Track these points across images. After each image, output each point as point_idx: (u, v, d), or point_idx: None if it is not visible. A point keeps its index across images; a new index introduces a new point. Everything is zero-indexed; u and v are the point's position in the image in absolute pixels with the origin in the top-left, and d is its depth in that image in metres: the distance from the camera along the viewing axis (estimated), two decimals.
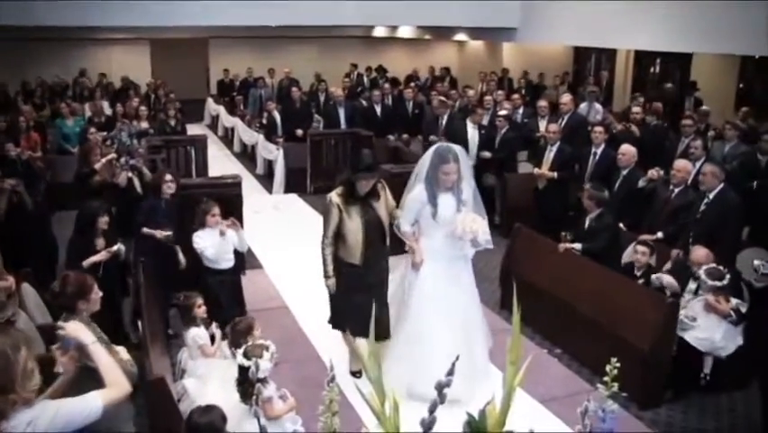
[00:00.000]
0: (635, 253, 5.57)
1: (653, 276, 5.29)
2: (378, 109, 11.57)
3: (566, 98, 9.44)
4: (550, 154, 7.97)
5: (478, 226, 4.31)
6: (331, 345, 5.11)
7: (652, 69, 15.39)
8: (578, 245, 5.90)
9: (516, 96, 11.44)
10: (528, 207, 8.09)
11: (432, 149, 4.49)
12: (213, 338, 4.58)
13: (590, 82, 14.29)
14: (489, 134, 9.28)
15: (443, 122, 10.01)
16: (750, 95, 13.03)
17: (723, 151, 8.33)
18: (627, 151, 7.00)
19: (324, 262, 4.63)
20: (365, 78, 17.03)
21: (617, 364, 2.07)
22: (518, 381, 1.92)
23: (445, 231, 4.46)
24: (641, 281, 5.36)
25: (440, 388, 1.83)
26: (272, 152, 11.49)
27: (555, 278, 5.79)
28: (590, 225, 5.99)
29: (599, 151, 7.74)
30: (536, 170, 8.02)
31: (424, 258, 4.52)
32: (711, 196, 5.76)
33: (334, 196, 4.53)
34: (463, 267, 4.62)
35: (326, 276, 4.66)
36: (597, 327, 5.23)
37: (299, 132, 11.44)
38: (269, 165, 11.82)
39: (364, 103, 12.27)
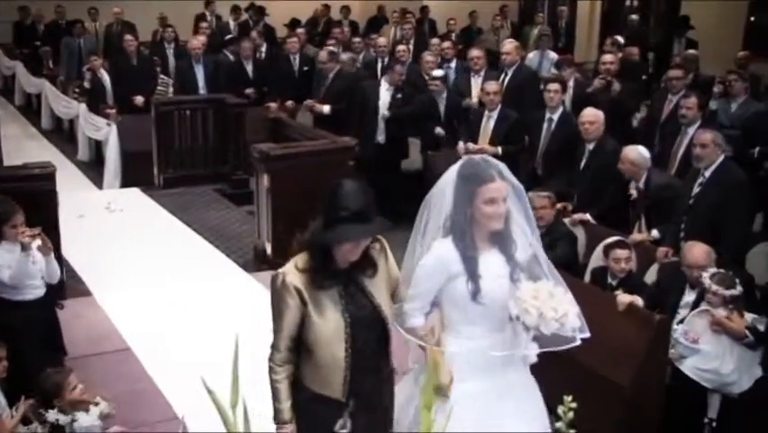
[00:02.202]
0: (609, 258, 5.70)
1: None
2: (249, 67, 11.47)
3: (509, 46, 9.59)
4: (489, 123, 8.07)
5: (563, 307, 3.27)
6: (192, 399, 4.98)
7: (627, 1, 15.85)
8: None
9: (446, 44, 11.52)
10: None
11: (453, 170, 3.47)
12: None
13: (542, 22, 14.59)
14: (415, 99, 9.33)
15: (328, 82, 10.03)
16: (764, 33, 13.36)
17: (729, 110, 8.66)
18: (596, 117, 7.08)
19: (275, 393, 3.38)
20: (231, 23, 16.76)
21: (574, 405, 2.06)
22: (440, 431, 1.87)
23: (494, 318, 3.50)
24: (618, 293, 5.48)
25: None
26: (100, 129, 11.16)
27: None
28: (542, 239, 6.03)
29: (556, 116, 7.91)
30: (471, 146, 8.10)
31: (453, 375, 3.42)
32: (708, 173, 5.92)
33: (291, 274, 3.29)
34: (524, 380, 3.67)
35: (278, 420, 3.38)
36: (560, 358, 5.29)
37: (139, 99, 11.18)
38: (97, 148, 11.54)
39: (231, 57, 12.07)
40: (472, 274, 3.39)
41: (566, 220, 6.56)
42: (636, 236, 6.22)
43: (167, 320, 6.51)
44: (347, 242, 3.23)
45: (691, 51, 11.08)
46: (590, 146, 7.07)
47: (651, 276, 5.91)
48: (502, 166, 3.41)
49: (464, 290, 3.40)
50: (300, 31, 13.62)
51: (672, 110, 8.00)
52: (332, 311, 3.28)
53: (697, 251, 5.20)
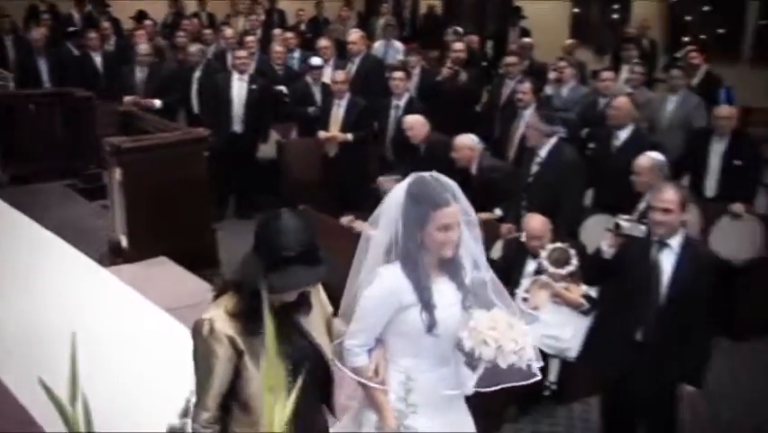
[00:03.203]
0: None
1: None
2: (97, 59, 11.02)
3: (355, 36, 9.66)
4: (339, 111, 8.12)
5: (523, 339, 2.92)
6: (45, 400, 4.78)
7: None
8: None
9: (289, 34, 11.49)
10: (315, 182, 8.21)
11: (401, 188, 3.04)
12: None
13: (387, 12, 14.74)
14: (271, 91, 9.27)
15: (145, 76, 9.82)
16: (586, 23, 14.36)
17: (561, 95, 9.07)
18: (414, 122, 7.16)
19: None
20: (75, 15, 16.08)
21: (414, 378, 1.95)
22: (287, 415, 1.82)
23: (442, 351, 3.09)
24: None
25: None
26: None
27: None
28: None
29: (402, 102, 8.07)
30: (322, 133, 8.13)
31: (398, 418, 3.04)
32: (543, 153, 6.18)
33: (221, 320, 2.76)
34: (463, 416, 3.26)
35: None
36: None
37: None
38: None
39: (74, 50, 11.58)
40: (427, 305, 2.98)
41: None
42: (481, 215, 6.38)
43: (16, 321, 6.21)
44: (296, 289, 2.78)
45: (525, 39, 11.51)
46: (422, 147, 7.14)
47: (496, 252, 6.09)
48: (454, 186, 3.00)
49: (418, 321, 2.98)
50: (149, 23, 13.23)
51: (510, 95, 8.27)
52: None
53: (534, 222, 5.43)
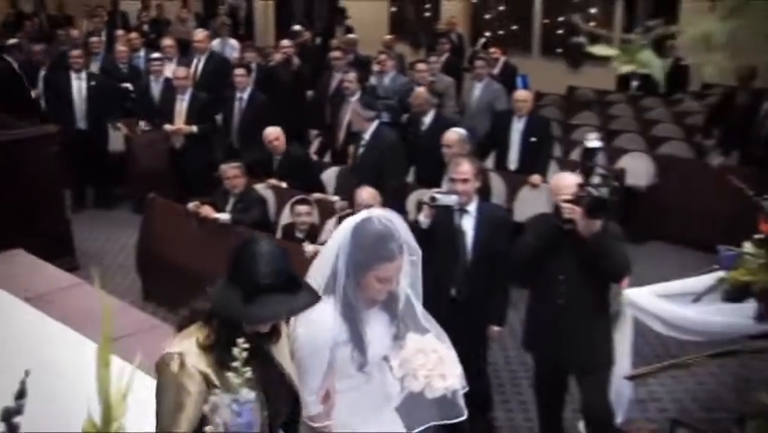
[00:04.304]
0: (293, 213, 5.91)
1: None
2: None
3: (201, 35, 9.55)
4: (182, 105, 8.02)
5: (453, 371, 2.72)
6: None
7: None
8: (224, 215, 6.06)
9: (133, 34, 11.21)
10: (163, 172, 8.10)
11: (347, 230, 2.73)
12: None
13: (223, 12, 14.58)
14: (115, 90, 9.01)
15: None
16: (403, 20, 14.83)
17: (384, 83, 9.30)
18: (280, 135, 6.90)
19: None
20: None
21: (246, 346, 1.91)
22: (124, 390, 1.80)
23: (367, 383, 2.85)
24: (305, 244, 5.71)
25: (7, 416, 1.73)
26: None
27: (203, 254, 5.83)
28: (236, 205, 6.17)
29: (246, 95, 8.12)
30: (168, 126, 8.02)
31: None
32: (367, 136, 6.35)
33: (193, 355, 2.35)
34: (394, 419, 2.95)
35: None
36: None
37: None
38: None
39: None
40: (360, 345, 2.73)
41: (258, 186, 6.66)
42: (315, 195, 6.45)
43: None
44: (276, 320, 2.44)
45: (350, 36, 11.72)
46: (278, 158, 6.93)
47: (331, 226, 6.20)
48: (403, 231, 2.73)
49: (348, 359, 2.74)
50: None
51: (338, 85, 8.41)
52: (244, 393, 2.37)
53: (364, 192, 5.51)
